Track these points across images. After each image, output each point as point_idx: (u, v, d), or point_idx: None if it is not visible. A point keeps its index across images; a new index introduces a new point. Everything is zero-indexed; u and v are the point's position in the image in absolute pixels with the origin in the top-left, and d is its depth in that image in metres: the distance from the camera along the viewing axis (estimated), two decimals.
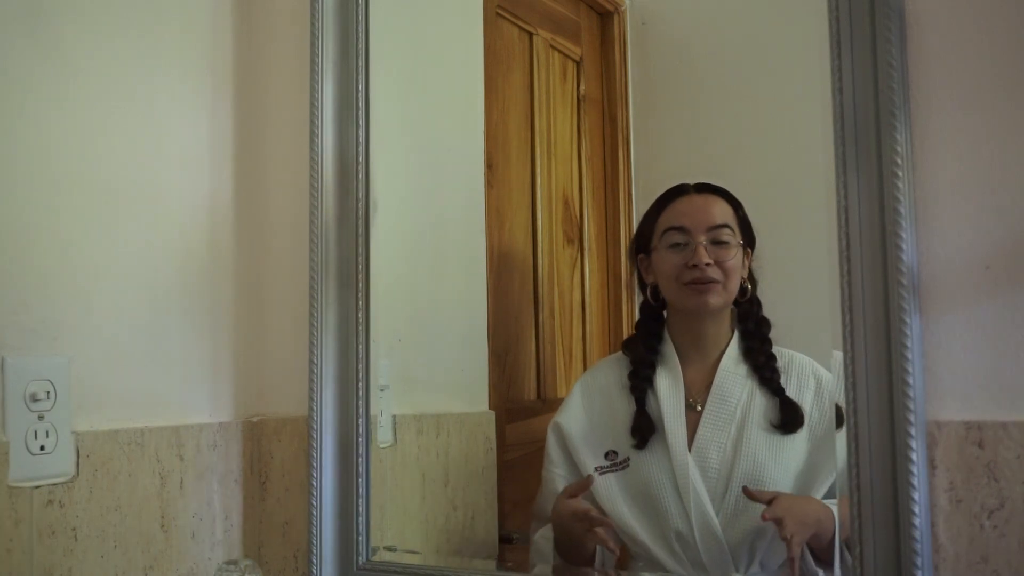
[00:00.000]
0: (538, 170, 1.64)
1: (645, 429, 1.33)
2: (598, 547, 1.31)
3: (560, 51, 1.69)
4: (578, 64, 1.69)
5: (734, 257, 1.33)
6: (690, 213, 1.36)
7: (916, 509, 0.97)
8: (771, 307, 1.35)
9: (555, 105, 1.68)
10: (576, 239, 1.68)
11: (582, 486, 1.31)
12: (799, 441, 1.28)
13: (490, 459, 1.53)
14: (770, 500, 1.22)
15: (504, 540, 1.51)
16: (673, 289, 1.36)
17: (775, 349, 1.33)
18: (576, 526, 1.30)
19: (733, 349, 1.35)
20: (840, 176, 1.03)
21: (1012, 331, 0.98)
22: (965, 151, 1.01)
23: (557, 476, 1.39)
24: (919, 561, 0.96)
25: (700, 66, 1.53)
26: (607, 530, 1.29)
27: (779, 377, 1.31)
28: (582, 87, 1.68)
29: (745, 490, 1.24)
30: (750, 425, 1.29)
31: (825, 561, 1.19)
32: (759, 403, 1.30)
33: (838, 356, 1.03)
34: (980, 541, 0.97)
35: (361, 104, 1.36)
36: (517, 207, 1.62)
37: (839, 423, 1.05)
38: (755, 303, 1.36)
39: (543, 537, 1.37)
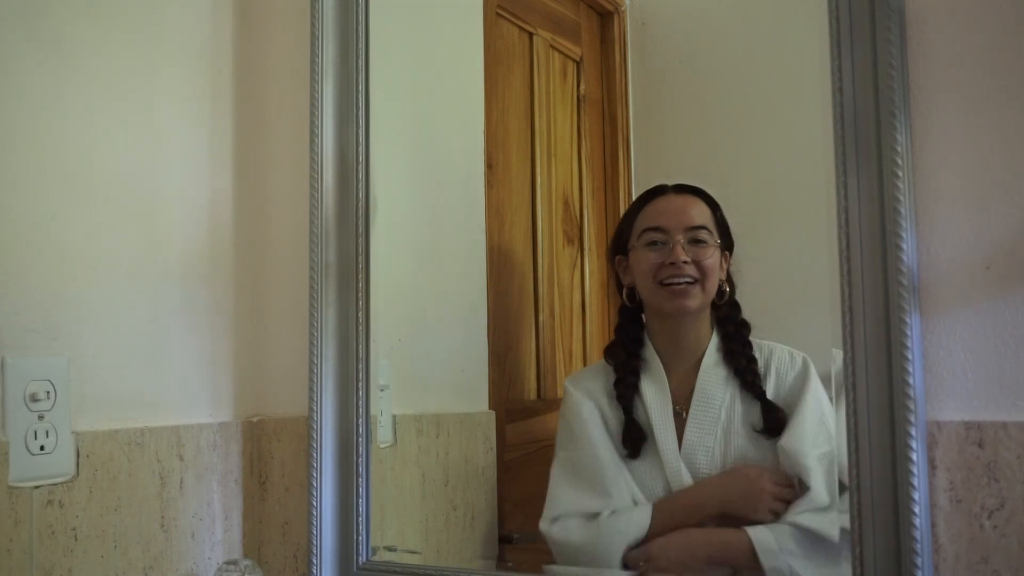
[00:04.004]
0: (538, 170, 1.64)
1: (636, 438, 1.32)
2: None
3: (560, 51, 1.69)
4: (578, 64, 1.69)
5: (712, 257, 1.33)
6: (669, 213, 1.35)
7: (916, 509, 0.97)
8: (772, 307, 1.35)
9: (555, 105, 1.67)
10: (576, 239, 1.68)
11: None
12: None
13: (490, 459, 1.53)
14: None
15: (504, 540, 1.51)
16: (650, 289, 1.35)
17: (755, 344, 1.32)
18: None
19: (713, 350, 1.34)
20: (840, 176, 1.03)
21: (1012, 331, 0.98)
22: (965, 151, 1.01)
23: (606, 457, 1.32)
24: (919, 561, 0.96)
25: (700, 66, 1.53)
26: None
27: (760, 380, 1.30)
28: (582, 87, 1.68)
29: None
30: (734, 427, 1.29)
31: None
32: (741, 407, 1.30)
33: (838, 355, 1.03)
34: (980, 541, 0.97)
35: (361, 104, 1.36)
36: (517, 207, 1.62)
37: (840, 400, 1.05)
38: (734, 307, 1.35)
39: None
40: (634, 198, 1.57)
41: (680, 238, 1.33)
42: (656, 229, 1.35)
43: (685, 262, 1.32)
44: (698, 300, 1.33)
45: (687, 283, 1.32)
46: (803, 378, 1.26)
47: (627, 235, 1.38)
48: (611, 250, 1.43)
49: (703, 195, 1.35)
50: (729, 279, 1.35)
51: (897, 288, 0.99)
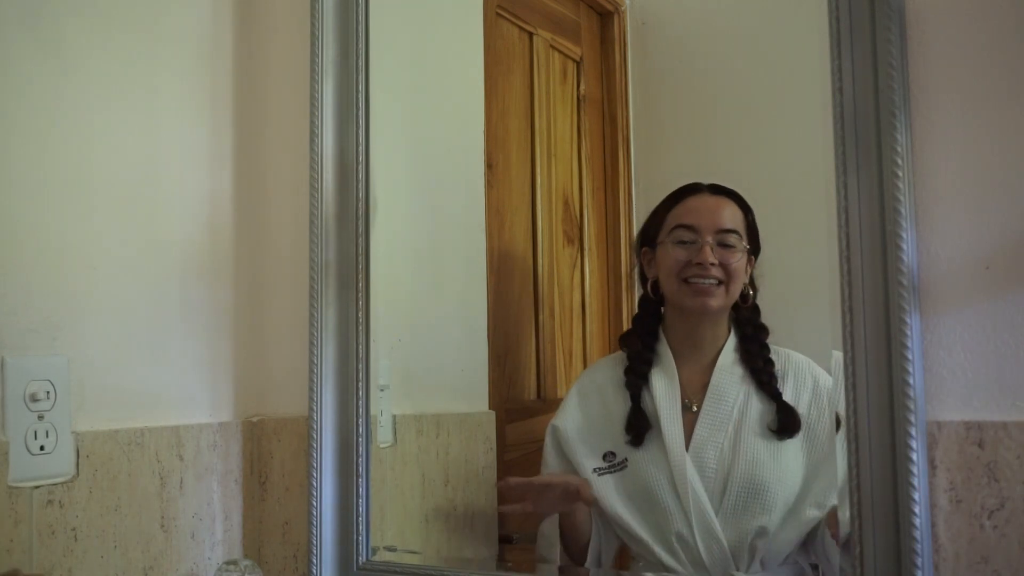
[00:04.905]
0: (538, 170, 1.64)
1: (640, 426, 1.33)
2: (591, 546, 1.33)
3: (560, 51, 1.69)
4: (578, 64, 1.69)
5: (739, 260, 1.33)
6: (701, 212, 1.36)
7: (916, 509, 0.97)
8: (772, 308, 1.35)
9: (555, 105, 1.68)
10: (576, 239, 1.68)
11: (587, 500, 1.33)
12: (797, 442, 1.28)
13: (490, 459, 1.53)
14: None
15: (504, 540, 1.51)
16: (674, 286, 1.36)
17: (772, 349, 1.33)
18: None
19: (729, 349, 1.34)
20: (840, 176, 1.03)
21: (1012, 331, 0.98)
22: (965, 151, 1.01)
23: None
24: (919, 561, 0.96)
25: (700, 66, 1.53)
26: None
27: (776, 382, 1.31)
28: (582, 87, 1.68)
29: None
30: (747, 427, 1.29)
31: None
32: (756, 407, 1.30)
33: (838, 356, 1.03)
34: (980, 541, 0.97)
35: (361, 104, 1.36)
36: (517, 207, 1.62)
37: (838, 427, 1.05)
38: (755, 310, 1.36)
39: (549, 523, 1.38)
40: (634, 198, 1.58)
41: (710, 239, 1.33)
42: (687, 227, 1.35)
43: (712, 263, 1.32)
44: (720, 301, 1.34)
45: (712, 283, 1.33)
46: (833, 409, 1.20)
47: (657, 229, 1.39)
48: (638, 241, 1.44)
49: (737, 198, 1.36)
50: (752, 283, 1.35)
51: (897, 288, 0.99)
